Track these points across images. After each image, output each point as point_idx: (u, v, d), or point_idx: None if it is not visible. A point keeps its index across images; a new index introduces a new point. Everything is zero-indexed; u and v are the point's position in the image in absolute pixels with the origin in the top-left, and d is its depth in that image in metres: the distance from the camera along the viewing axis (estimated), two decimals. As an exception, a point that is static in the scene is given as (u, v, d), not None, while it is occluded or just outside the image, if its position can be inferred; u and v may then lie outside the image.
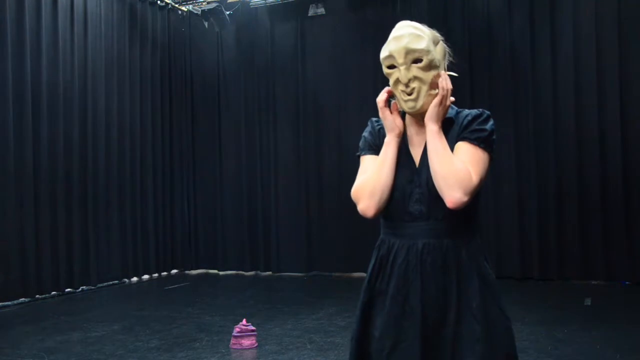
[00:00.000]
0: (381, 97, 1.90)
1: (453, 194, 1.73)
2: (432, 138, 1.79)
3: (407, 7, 8.22)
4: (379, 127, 1.97)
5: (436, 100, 1.81)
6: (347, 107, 8.64)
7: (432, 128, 1.80)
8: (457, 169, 1.74)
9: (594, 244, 7.35)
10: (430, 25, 1.93)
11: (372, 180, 1.86)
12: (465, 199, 1.73)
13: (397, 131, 1.88)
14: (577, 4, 7.57)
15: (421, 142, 1.88)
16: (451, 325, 1.77)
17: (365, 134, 2.00)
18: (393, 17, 8.14)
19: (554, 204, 7.55)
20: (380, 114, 1.91)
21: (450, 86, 1.82)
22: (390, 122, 1.89)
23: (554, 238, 7.52)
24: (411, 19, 1.95)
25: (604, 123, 7.38)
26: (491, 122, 1.85)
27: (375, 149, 1.94)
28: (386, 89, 1.90)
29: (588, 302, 6.28)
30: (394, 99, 1.90)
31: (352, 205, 1.89)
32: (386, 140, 1.89)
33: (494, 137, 1.84)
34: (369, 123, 2.02)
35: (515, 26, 7.85)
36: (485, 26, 7.99)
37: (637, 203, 7.20)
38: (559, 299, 6.54)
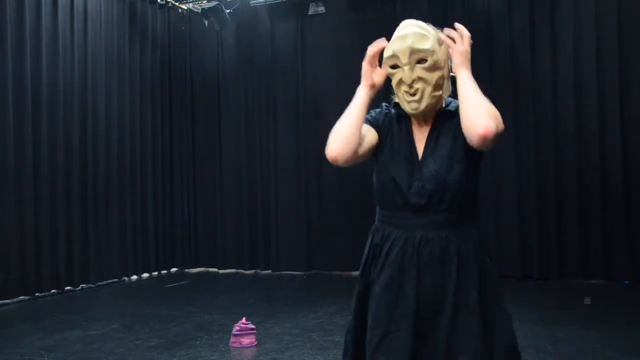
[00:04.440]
0: (373, 48, 1.90)
1: (488, 121, 1.68)
2: (468, 80, 1.76)
3: (408, 6, 8.20)
4: (387, 111, 1.98)
5: (458, 46, 1.77)
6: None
7: (466, 74, 1.77)
8: (492, 107, 1.74)
9: (594, 244, 7.34)
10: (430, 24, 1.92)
11: (338, 126, 1.89)
12: (495, 132, 1.69)
13: (369, 82, 1.89)
14: (577, 4, 7.57)
15: (422, 138, 1.88)
16: (447, 318, 1.75)
17: (372, 112, 2.00)
18: (393, 16, 8.15)
19: (554, 204, 7.55)
20: (364, 62, 1.89)
21: (468, 33, 1.79)
22: (368, 72, 1.89)
23: (554, 238, 7.52)
24: (411, 19, 1.94)
25: (604, 123, 7.38)
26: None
27: (375, 124, 1.96)
28: (380, 41, 1.88)
29: (588, 301, 6.28)
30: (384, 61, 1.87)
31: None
32: (358, 89, 1.91)
33: None
34: (381, 106, 2.03)
35: (515, 26, 7.85)
36: (485, 26, 7.98)
37: (637, 203, 7.20)
38: (559, 299, 6.54)
